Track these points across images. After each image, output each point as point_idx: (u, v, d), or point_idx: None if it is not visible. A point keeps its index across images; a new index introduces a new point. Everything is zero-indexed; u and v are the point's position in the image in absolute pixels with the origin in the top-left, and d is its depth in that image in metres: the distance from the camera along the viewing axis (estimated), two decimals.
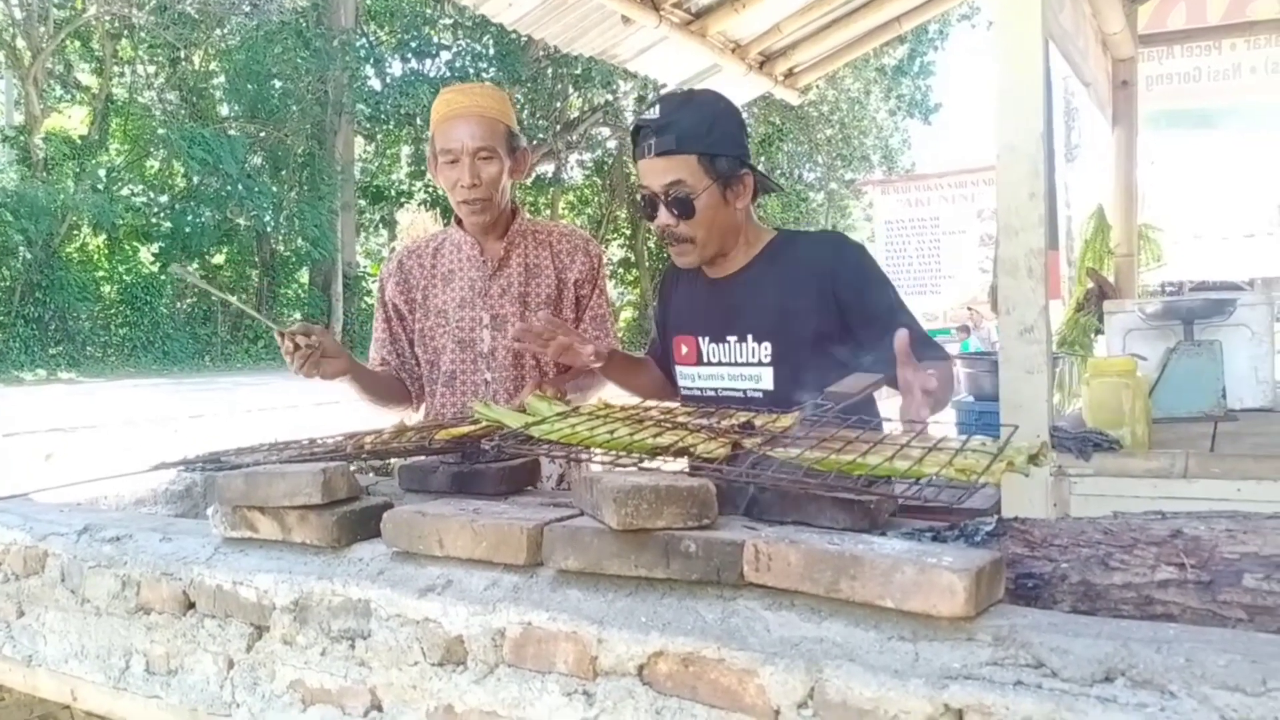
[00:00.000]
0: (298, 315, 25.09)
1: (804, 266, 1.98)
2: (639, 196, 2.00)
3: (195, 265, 23.86)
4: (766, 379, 1.97)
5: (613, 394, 2.29)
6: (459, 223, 2.44)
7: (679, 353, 2.15)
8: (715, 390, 2.06)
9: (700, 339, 2.09)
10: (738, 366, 2.02)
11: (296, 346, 2.09)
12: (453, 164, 2.29)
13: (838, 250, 2.01)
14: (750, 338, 2.00)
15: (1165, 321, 3.59)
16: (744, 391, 2.00)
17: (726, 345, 2.04)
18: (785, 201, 26.55)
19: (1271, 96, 5.87)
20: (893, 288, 2.03)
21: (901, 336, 1.60)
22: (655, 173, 1.92)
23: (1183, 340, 3.45)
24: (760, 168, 2.11)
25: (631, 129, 2.01)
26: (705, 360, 2.09)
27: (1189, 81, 5.92)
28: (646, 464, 1.32)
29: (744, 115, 2.06)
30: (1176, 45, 5.82)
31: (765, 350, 1.98)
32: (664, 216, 1.94)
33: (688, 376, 2.13)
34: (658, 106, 1.94)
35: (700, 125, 1.91)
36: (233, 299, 2.23)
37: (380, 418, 2.44)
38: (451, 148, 2.27)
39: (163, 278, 23.14)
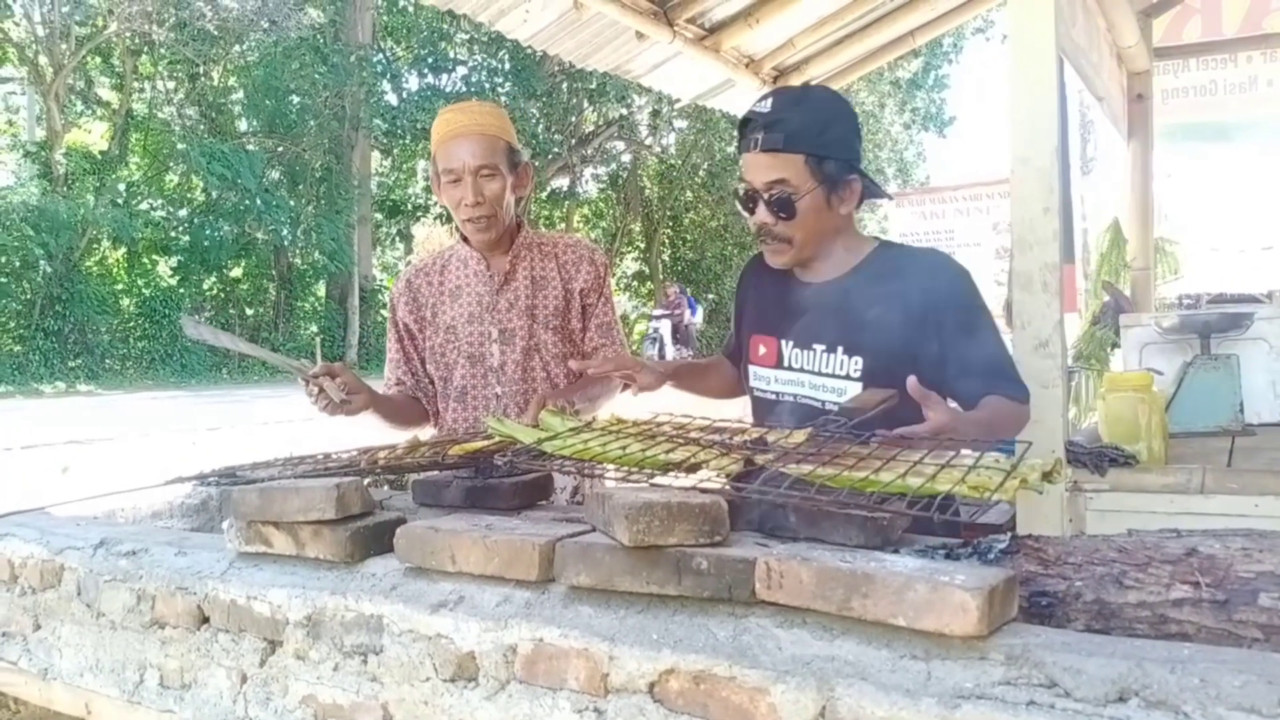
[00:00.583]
0: (314, 328, 25.18)
1: (909, 285, 1.88)
2: (738, 190, 1.92)
3: (213, 279, 24.01)
4: (853, 393, 1.85)
5: (622, 404, 2.28)
6: (465, 239, 2.45)
7: (755, 352, 2.04)
8: (794, 396, 1.96)
9: (782, 342, 1.99)
10: (822, 377, 1.92)
11: (321, 389, 2.11)
12: (455, 183, 2.29)
13: (946, 274, 1.91)
14: (840, 350, 1.90)
15: (1182, 335, 3.57)
16: (824, 403, 1.90)
17: (812, 353, 1.93)
18: None
19: None
20: (991, 319, 1.94)
21: (912, 381, 1.58)
22: (759, 169, 1.85)
23: (1199, 354, 3.43)
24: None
25: (740, 120, 1.93)
26: (786, 365, 1.98)
27: (1205, 94, 5.90)
28: (659, 480, 1.32)
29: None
30: (1192, 58, 5.81)
31: (855, 365, 1.87)
32: (763, 214, 1.87)
33: (762, 378, 2.03)
34: (770, 100, 1.86)
35: (812, 125, 1.83)
36: (255, 349, 2.25)
37: (397, 435, 2.45)
38: (454, 167, 2.28)
39: (181, 291, 23.29)
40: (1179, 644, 0.94)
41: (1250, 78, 5.80)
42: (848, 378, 1.88)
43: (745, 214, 1.93)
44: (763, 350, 2.03)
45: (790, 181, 1.83)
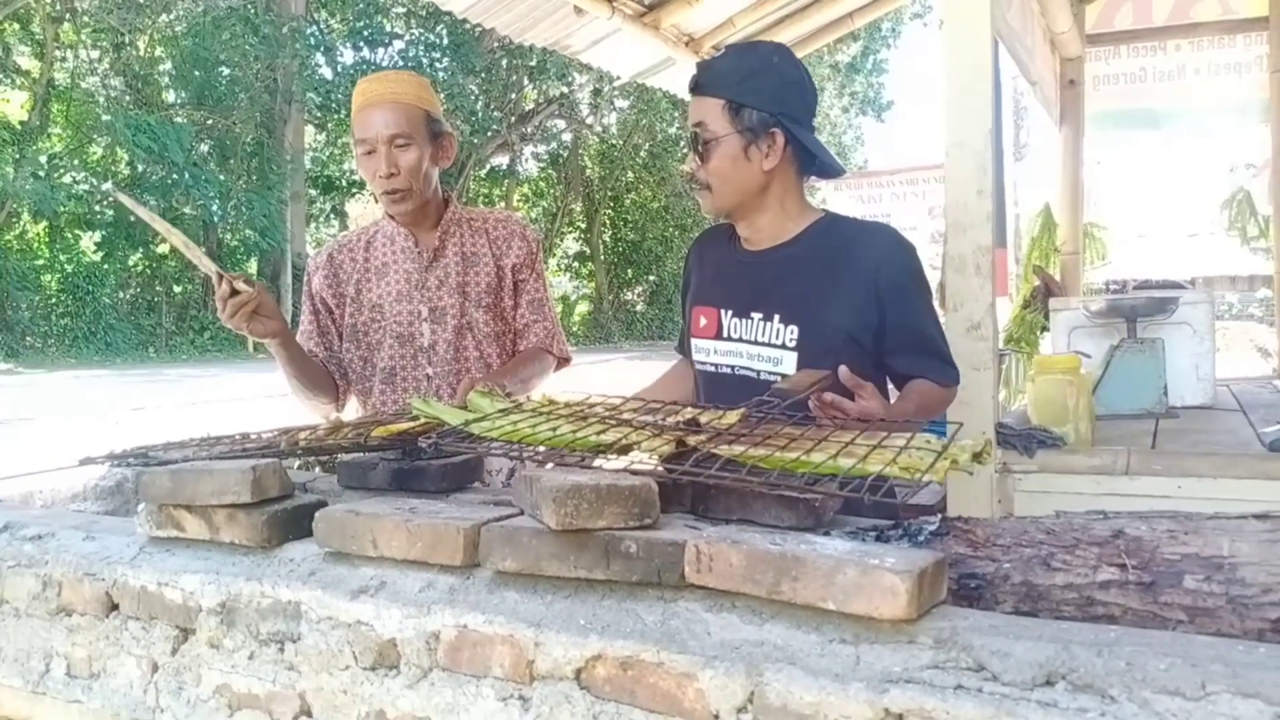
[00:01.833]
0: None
1: (851, 255, 1.87)
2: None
3: (139, 255, 23.35)
4: (789, 363, 1.85)
5: (555, 384, 2.24)
6: (390, 215, 2.38)
7: (697, 325, 2.02)
8: (731, 368, 1.94)
9: (722, 312, 1.97)
10: (758, 346, 1.90)
11: (234, 292, 1.99)
12: (369, 154, 2.22)
13: (890, 246, 1.90)
14: (777, 318, 1.88)
15: (1109, 319, 3.64)
16: (759, 373, 1.89)
17: (750, 322, 1.92)
18: None
19: (1215, 98, 5.98)
20: (930, 298, 1.95)
21: (844, 371, 1.62)
22: (691, 112, 1.89)
23: (1126, 338, 3.50)
24: None
25: None
26: (725, 335, 1.96)
27: (1135, 82, 6.01)
28: (589, 462, 1.29)
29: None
30: (1123, 45, 5.91)
31: (791, 334, 1.86)
32: (691, 158, 1.91)
33: (703, 350, 2.01)
34: (721, 51, 1.92)
35: (735, 72, 1.85)
36: (171, 231, 2.04)
37: (309, 413, 2.36)
38: (367, 137, 2.21)
39: (105, 267, 22.61)
40: (1106, 627, 0.94)
41: (1179, 66, 5.93)
42: (784, 347, 1.87)
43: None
44: (704, 322, 2.01)
45: (707, 125, 1.85)
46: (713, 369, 1.99)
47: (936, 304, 2.10)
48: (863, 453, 1.20)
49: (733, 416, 1.42)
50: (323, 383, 2.35)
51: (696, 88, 1.88)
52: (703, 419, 1.42)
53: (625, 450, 1.31)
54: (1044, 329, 4.91)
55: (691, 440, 1.32)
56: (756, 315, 1.91)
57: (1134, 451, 2.61)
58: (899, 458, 1.17)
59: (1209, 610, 1.01)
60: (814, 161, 1.93)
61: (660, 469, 1.27)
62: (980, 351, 2.49)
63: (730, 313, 1.96)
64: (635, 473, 1.22)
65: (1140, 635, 0.89)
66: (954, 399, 1.94)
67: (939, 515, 1.25)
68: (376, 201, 2.34)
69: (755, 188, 1.89)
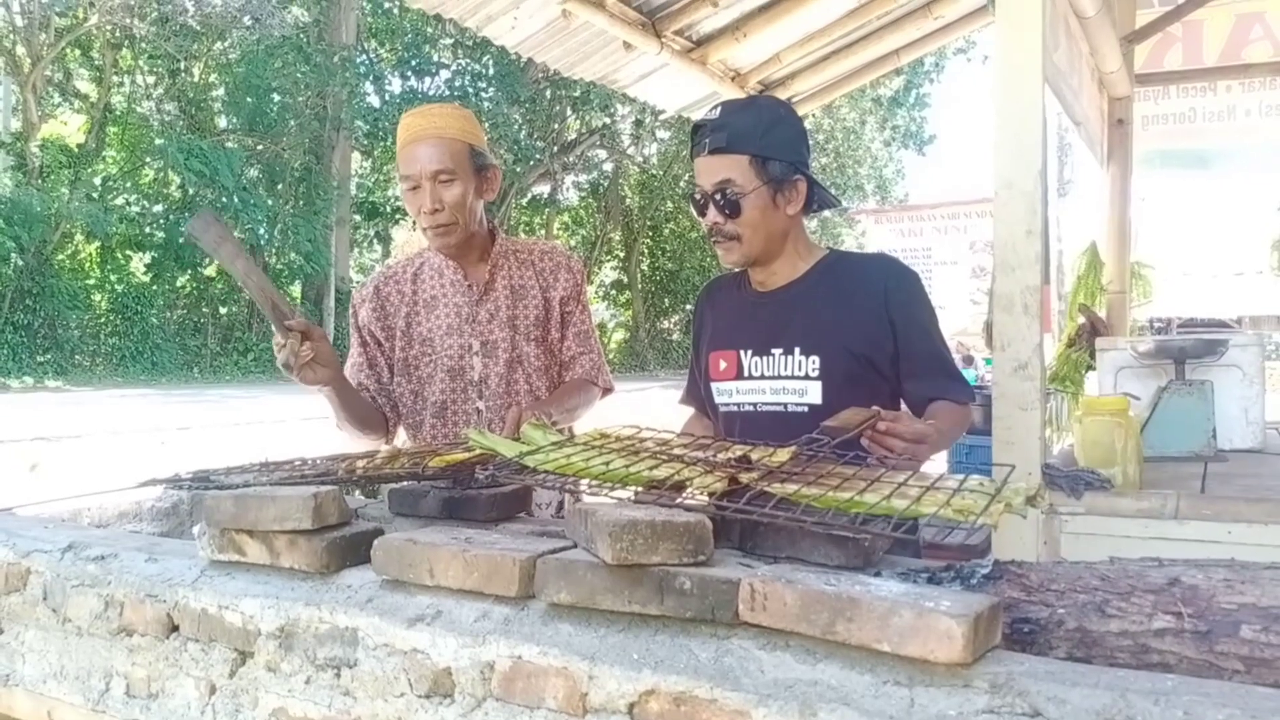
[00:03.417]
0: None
1: (859, 284, 1.98)
2: (693, 195, 2.00)
3: (187, 276, 23.77)
4: (814, 393, 1.93)
5: (598, 416, 2.26)
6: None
7: (716, 369, 2.09)
8: (754, 405, 2.01)
9: (741, 353, 2.04)
10: (781, 380, 1.98)
11: (301, 336, 1.99)
12: (414, 190, 2.24)
13: (893, 273, 2.01)
14: (798, 350, 1.96)
15: (1157, 360, 3.60)
16: (786, 405, 1.96)
17: (771, 358, 2.00)
18: None
19: (1266, 138, 5.93)
20: (936, 320, 2.04)
21: (881, 418, 1.66)
22: (708, 171, 1.93)
23: (1174, 379, 3.45)
24: None
25: (691, 128, 2.01)
26: (746, 374, 2.03)
27: (1184, 121, 5.97)
28: (642, 496, 1.31)
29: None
30: (1173, 85, 5.88)
31: (813, 364, 1.94)
32: (713, 214, 1.94)
33: (725, 392, 2.07)
34: (719, 108, 1.95)
35: (755, 128, 1.91)
36: (251, 274, 1.95)
37: (355, 444, 2.34)
38: (411, 173, 2.23)
39: (154, 288, 23.05)
40: (1162, 675, 0.94)
41: (1229, 106, 5.89)
42: (807, 377, 1.95)
43: (698, 217, 2.01)
44: (723, 365, 2.08)
45: (736, 181, 1.91)
46: (737, 408, 2.05)
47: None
48: (916, 494, 1.21)
49: (784, 454, 1.44)
50: (373, 419, 2.35)
51: (717, 147, 1.92)
52: (754, 456, 1.44)
53: (678, 486, 1.33)
54: (1089, 368, 4.86)
55: (744, 478, 1.33)
56: (777, 351, 1.99)
57: (1183, 495, 2.57)
58: (952, 500, 1.18)
59: (1267, 661, 1.00)
60: (814, 200, 2.04)
61: (711, 505, 1.29)
62: (1027, 391, 2.48)
63: (750, 352, 2.04)
64: (688, 509, 1.23)
65: (1198, 685, 0.89)
66: (970, 420, 2.03)
67: (991, 559, 1.25)
68: (423, 232, 2.35)
69: (781, 234, 1.99)
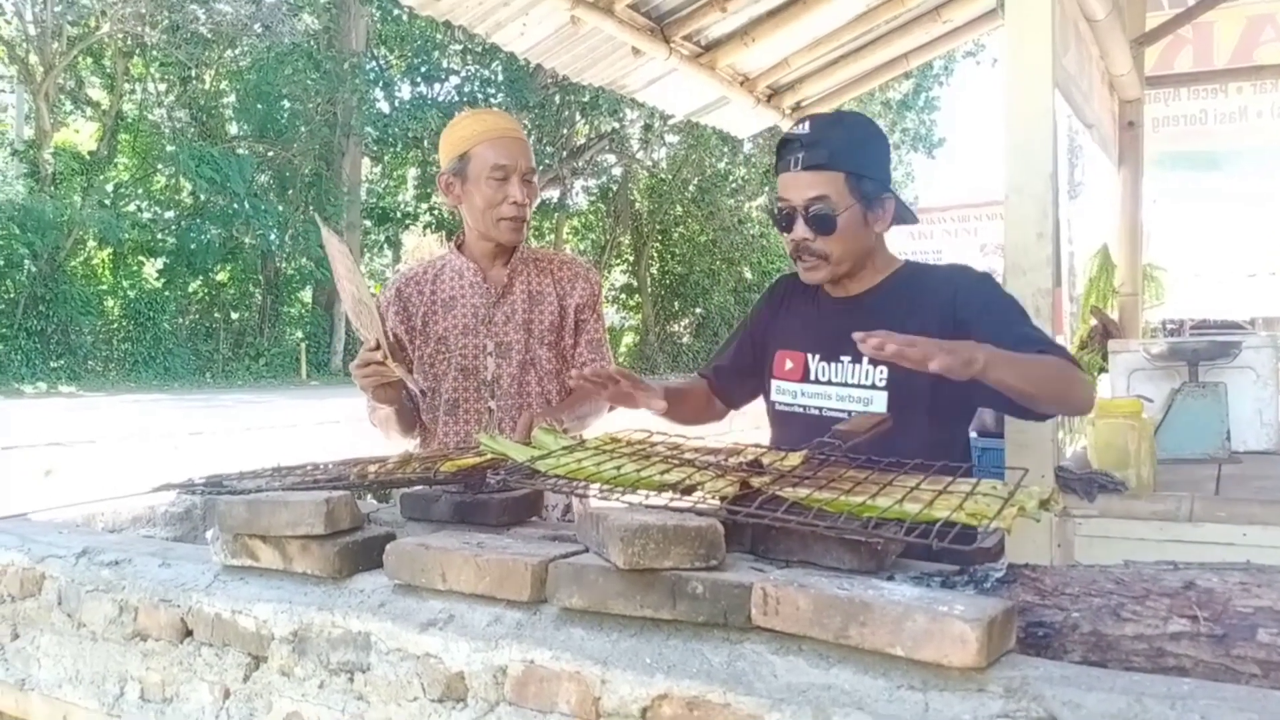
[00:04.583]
0: (300, 334, 25.07)
1: (929, 294, 1.96)
2: (775, 209, 1.97)
3: (199, 282, 23.88)
4: (879, 403, 1.92)
5: (609, 421, 2.27)
6: (459, 247, 2.43)
7: (781, 367, 2.09)
8: (819, 409, 2.00)
9: (810, 356, 2.04)
10: (847, 387, 1.97)
11: (376, 363, 2.09)
12: (503, 180, 2.28)
13: (961, 278, 1.99)
14: (866, 359, 1.93)
15: (1170, 362, 3.58)
16: (850, 414, 1.93)
17: (840, 365, 1.99)
18: None
19: (1277, 139, 5.90)
20: (1016, 304, 1.98)
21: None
22: (799, 186, 1.90)
23: (1187, 381, 3.44)
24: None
25: (779, 141, 1.99)
26: (812, 378, 2.03)
27: (1195, 123, 5.95)
28: (653, 500, 1.31)
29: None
30: (1183, 87, 5.86)
31: (881, 374, 1.92)
32: (800, 230, 1.92)
33: (788, 393, 2.07)
34: (808, 122, 1.93)
35: (851, 145, 1.90)
36: (368, 310, 2.10)
37: (388, 445, 2.42)
38: (506, 163, 2.28)
39: (166, 294, 23.17)
40: (1178, 679, 0.93)
41: (1240, 108, 5.86)
42: (873, 387, 1.93)
43: (782, 231, 1.98)
44: (789, 365, 2.08)
45: (830, 198, 1.88)
46: (801, 410, 2.04)
47: None
48: (928, 498, 1.21)
49: (795, 458, 1.43)
50: (412, 424, 2.44)
51: (812, 163, 1.88)
52: (765, 460, 1.44)
53: (689, 491, 1.33)
54: (1102, 370, 4.85)
55: (755, 482, 1.33)
56: (846, 358, 1.97)
57: (1197, 498, 2.56)
58: (965, 504, 1.18)
59: None
60: (900, 217, 2.01)
61: (723, 509, 1.29)
62: None
63: (818, 357, 2.02)
64: (700, 513, 1.23)
65: (1215, 689, 0.89)
66: (1082, 386, 1.84)
67: (1004, 563, 1.25)
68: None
69: (866, 251, 1.97)
